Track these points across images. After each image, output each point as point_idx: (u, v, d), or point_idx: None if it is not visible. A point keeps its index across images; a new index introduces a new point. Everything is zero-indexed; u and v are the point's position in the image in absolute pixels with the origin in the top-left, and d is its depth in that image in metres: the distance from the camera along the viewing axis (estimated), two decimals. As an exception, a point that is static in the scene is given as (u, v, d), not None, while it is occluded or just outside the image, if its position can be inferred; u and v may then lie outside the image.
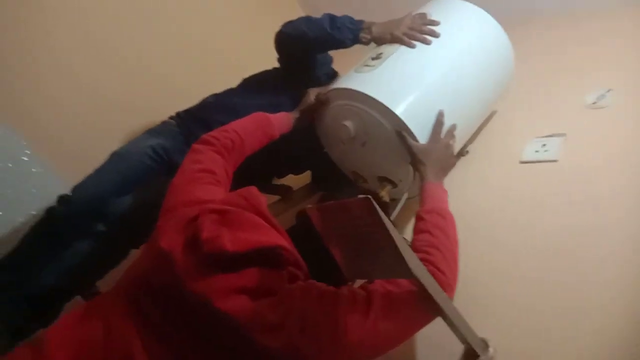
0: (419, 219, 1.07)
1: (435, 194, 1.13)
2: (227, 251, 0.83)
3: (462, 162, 1.55)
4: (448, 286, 0.94)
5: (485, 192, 1.44)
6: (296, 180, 1.82)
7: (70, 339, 0.83)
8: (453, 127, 1.30)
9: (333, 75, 1.65)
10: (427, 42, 1.37)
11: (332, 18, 1.47)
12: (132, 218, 1.29)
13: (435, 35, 1.38)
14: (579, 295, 1.08)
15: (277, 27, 1.58)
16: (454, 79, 1.36)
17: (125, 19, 2.04)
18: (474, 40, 1.44)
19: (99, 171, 1.39)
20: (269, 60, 1.69)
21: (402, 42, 1.38)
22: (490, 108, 1.57)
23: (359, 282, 0.96)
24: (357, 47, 1.52)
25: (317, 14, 1.53)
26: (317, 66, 1.60)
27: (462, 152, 1.54)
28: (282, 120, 1.37)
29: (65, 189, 1.42)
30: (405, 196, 1.28)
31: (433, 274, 0.91)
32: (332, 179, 1.58)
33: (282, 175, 1.76)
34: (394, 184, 1.38)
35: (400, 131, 1.26)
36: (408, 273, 0.83)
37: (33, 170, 1.76)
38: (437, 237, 1.01)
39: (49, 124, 1.81)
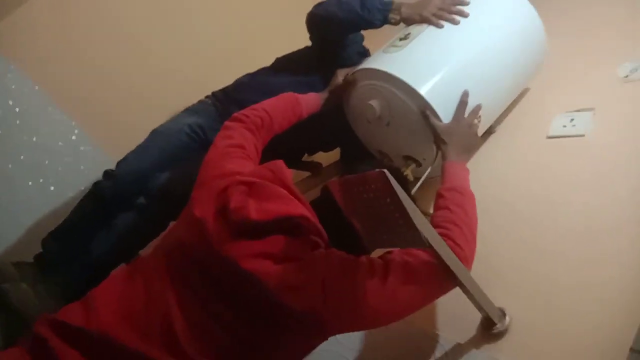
0: (439, 196, 1.11)
1: (456, 172, 1.16)
2: (252, 220, 0.90)
3: (489, 139, 1.56)
4: (465, 259, 0.98)
5: (511, 167, 1.45)
6: (326, 157, 1.87)
7: (115, 296, 0.92)
8: (478, 107, 1.31)
9: (364, 54, 1.68)
10: (455, 22, 1.38)
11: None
12: (171, 192, 1.38)
13: (464, 15, 1.39)
14: (602, 271, 1.07)
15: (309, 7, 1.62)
16: (483, 59, 1.36)
17: (167, 5, 2.12)
18: (503, 20, 1.43)
19: (140, 148, 1.49)
20: (302, 40, 1.72)
21: (430, 22, 1.39)
22: (521, 87, 1.56)
23: (376, 254, 1.01)
24: (389, 26, 1.54)
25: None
26: (348, 45, 1.63)
27: (490, 130, 1.55)
28: (310, 101, 1.42)
29: (110, 165, 1.52)
30: (427, 172, 1.31)
31: (451, 248, 0.94)
32: (360, 156, 1.62)
33: (312, 152, 1.81)
34: (418, 163, 1.41)
35: (424, 111, 1.29)
36: (423, 243, 0.88)
37: (81, 148, 1.89)
38: (455, 213, 1.04)
39: (96, 106, 1.93)
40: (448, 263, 0.93)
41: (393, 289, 0.90)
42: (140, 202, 1.38)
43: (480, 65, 1.36)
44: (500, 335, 1.08)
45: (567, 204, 1.24)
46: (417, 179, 1.37)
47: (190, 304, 0.89)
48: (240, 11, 2.31)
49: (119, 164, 1.47)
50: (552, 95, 1.57)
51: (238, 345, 0.89)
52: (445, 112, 1.29)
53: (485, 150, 1.53)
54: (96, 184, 1.45)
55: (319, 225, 0.94)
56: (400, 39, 1.42)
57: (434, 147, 1.30)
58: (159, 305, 0.89)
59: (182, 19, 2.15)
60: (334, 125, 1.55)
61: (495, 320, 1.09)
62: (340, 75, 1.47)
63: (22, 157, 1.77)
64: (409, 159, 1.42)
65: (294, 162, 1.67)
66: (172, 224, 1.46)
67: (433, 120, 1.27)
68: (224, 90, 1.64)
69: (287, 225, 0.91)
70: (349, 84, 1.44)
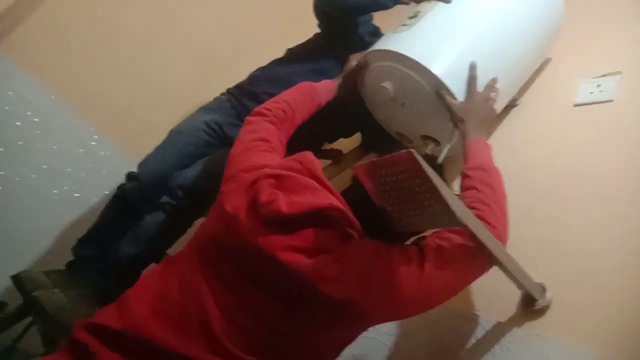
0: (464, 176, 1.08)
1: (477, 150, 1.13)
2: (283, 213, 0.88)
3: (513, 112, 1.52)
4: (499, 238, 0.95)
5: (538, 139, 1.41)
6: (346, 144, 1.85)
7: (150, 296, 0.91)
8: (493, 81, 1.27)
9: (375, 33, 1.64)
10: None
11: None
12: (193, 189, 1.38)
13: None
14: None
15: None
16: (495, 30, 1.32)
17: (178, 6, 2.12)
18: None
19: (160, 148, 1.49)
20: (311, 29, 1.70)
21: None
22: (540, 56, 1.51)
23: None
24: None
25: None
26: (359, 25, 1.60)
27: (512, 104, 1.51)
28: (327, 88, 1.40)
29: (131, 167, 1.53)
30: (445, 151, 1.29)
31: None
32: (381, 139, 1.60)
33: (332, 139, 1.79)
34: (436, 142, 1.38)
35: (439, 90, 1.25)
36: (456, 221, 0.85)
37: (101, 153, 1.90)
38: (483, 192, 1.02)
39: (112, 111, 1.93)
40: (483, 241, 0.91)
41: (430, 275, 0.88)
42: (165, 201, 1.38)
43: (493, 37, 1.32)
44: (542, 311, 1.06)
45: (600, 173, 1.21)
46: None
47: (225, 298, 0.89)
48: (249, 6, 2.29)
49: (140, 165, 1.48)
50: (576, 62, 1.51)
51: (276, 337, 0.88)
52: (459, 89, 1.25)
53: (510, 124, 1.49)
54: (120, 187, 1.46)
55: (351, 215, 0.92)
56: (410, 18, 1.39)
57: (451, 125, 1.28)
58: (194, 302, 0.89)
59: (195, 18, 2.15)
60: (352, 110, 1.53)
61: (536, 297, 1.06)
62: (354, 59, 1.45)
63: (44, 166, 1.79)
64: (427, 138, 1.40)
65: (315, 151, 1.66)
66: (197, 220, 1.47)
67: (448, 99, 1.24)
68: (238, 86, 1.63)
69: (318, 217, 0.89)
70: (362, 67, 1.42)
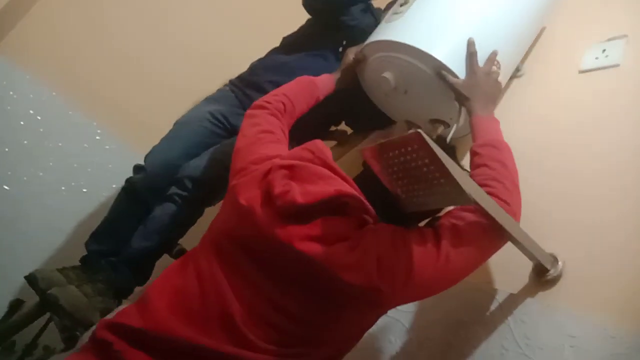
0: (473, 154, 1.08)
1: (485, 126, 1.12)
2: (299, 203, 0.88)
3: (517, 83, 1.50)
4: (513, 214, 0.96)
5: (544, 108, 1.39)
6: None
7: (170, 293, 0.92)
8: (493, 54, 1.26)
9: (367, 9, 1.62)
10: None
11: None
12: (201, 178, 1.38)
13: None
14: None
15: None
16: (489, 7, 1.30)
17: (180, 8, 2.12)
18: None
19: (165, 139, 1.50)
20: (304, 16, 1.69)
21: None
22: (540, 22, 1.48)
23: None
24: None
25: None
26: (349, 3, 1.58)
27: (515, 75, 1.49)
28: (325, 82, 1.39)
29: (138, 159, 1.53)
30: (452, 131, 1.28)
31: None
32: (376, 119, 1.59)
33: (338, 123, 1.79)
34: (445, 124, 1.36)
35: (440, 71, 1.24)
36: (466, 199, 0.85)
37: (107, 147, 1.91)
38: (494, 169, 1.02)
39: (115, 103, 1.93)
40: (495, 217, 0.91)
41: (446, 255, 0.88)
42: (173, 192, 1.38)
43: (488, 10, 1.30)
44: (554, 281, 1.06)
45: (609, 142, 1.19)
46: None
47: (245, 290, 0.89)
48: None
49: (146, 157, 1.48)
50: (579, 27, 1.48)
51: (298, 327, 0.89)
52: (460, 68, 1.24)
53: (515, 94, 1.48)
54: (128, 180, 1.47)
55: (365, 202, 0.92)
56: (401, 5, 1.38)
57: (457, 105, 1.27)
58: (214, 295, 0.89)
59: (195, 10, 2.13)
60: (353, 102, 1.53)
61: (548, 267, 1.06)
62: (351, 53, 1.45)
63: (50, 163, 1.80)
64: (435, 122, 1.39)
65: (321, 132, 1.66)
66: (208, 210, 1.48)
67: (450, 78, 1.22)
68: (240, 77, 1.64)
69: (334, 206, 0.89)
70: (359, 61, 1.41)
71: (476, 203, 0.87)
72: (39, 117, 1.79)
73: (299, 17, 1.70)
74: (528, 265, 1.09)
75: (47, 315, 1.38)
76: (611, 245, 1.04)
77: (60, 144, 1.82)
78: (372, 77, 1.42)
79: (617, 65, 1.30)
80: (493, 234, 0.94)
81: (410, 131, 0.83)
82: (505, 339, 1.05)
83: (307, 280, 0.88)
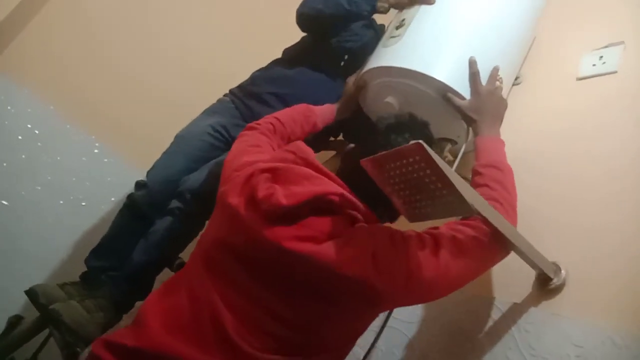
0: (475, 173, 1.08)
1: (490, 147, 1.13)
2: (284, 205, 0.88)
3: (515, 91, 1.50)
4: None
5: (543, 117, 1.39)
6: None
7: (162, 310, 0.92)
8: (495, 70, 1.26)
9: (370, 25, 1.63)
10: None
11: None
12: (203, 192, 1.37)
13: None
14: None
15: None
16: (485, 21, 1.32)
17: (175, 20, 2.12)
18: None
19: (166, 154, 1.49)
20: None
21: (420, 2, 1.37)
22: (533, 30, 1.49)
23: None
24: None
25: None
26: (350, 21, 1.59)
27: (515, 82, 1.49)
28: (325, 111, 1.40)
29: (136, 172, 1.52)
30: (462, 149, 1.28)
31: None
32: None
33: (337, 135, 1.79)
34: (453, 142, 1.37)
35: (445, 94, 1.24)
36: (469, 209, 0.85)
37: (105, 160, 1.90)
38: (495, 190, 1.02)
39: (112, 116, 1.92)
40: (498, 226, 0.91)
41: (446, 263, 0.88)
42: (174, 206, 1.38)
43: (484, 28, 1.31)
44: (558, 289, 1.06)
45: (608, 147, 1.19)
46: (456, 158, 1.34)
47: (237, 300, 0.89)
48: (245, 11, 2.28)
49: (148, 173, 1.48)
50: (576, 35, 1.49)
51: (295, 333, 0.89)
52: (463, 86, 1.24)
53: (514, 103, 1.46)
54: (130, 196, 1.46)
55: (353, 197, 0.92)
56: (397, 28, 1.39)
57: (463, 123, 1.27)
58: (206, 309, 0.89)
59: (193, 22, 2.14)
60: (352, 121, 1.53)
61: (551, 275, 1.06)
62: (350, 82, 1.46)
63: (49, 177, 1.79)
64: (443, 140, 1.39)
65: (322, 142, 1.66)
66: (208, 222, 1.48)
67: (456, 101, 1.23)
68: (240, 87, 1.63)
69: (320, 205, 0.89)
70: (360, 88, 1.42)
71: (478, 213, 0.87)
72: (36, 131, 1.78)
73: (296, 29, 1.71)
74: (531, 274, 1.09)
75: (47, 331, 1.37)
76: (614, 252, 1.04)
77: (58, 158, 1.81)
78: (374, 102, 1.43)
79: (614, 72, 1.31)
80: (492, 248, 0.94)
81: (412, 142, 0.83)
82: (509, 349, 1.04)
83: (301, 282, 0.88)
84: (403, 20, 1.38)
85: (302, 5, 1.56)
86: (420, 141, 0.81)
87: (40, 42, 1.80)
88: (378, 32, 1.58)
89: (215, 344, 0.86)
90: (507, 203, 1.00)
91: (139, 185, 1.46)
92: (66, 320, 1.26)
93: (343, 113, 1.45)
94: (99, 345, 0.89)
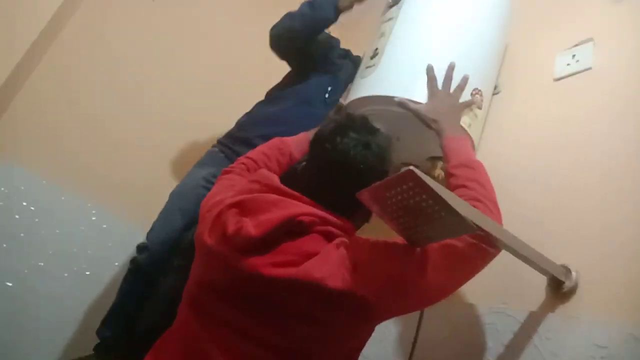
0: (449, 175, 1.09)
1: (456, 146, 1.14)
2: (254, 236, 0.88)
3: (496, 101, 1.52)
4: None
5: (525, 122, 1.41)
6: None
7: None
8: (464, 80, 1.30)
9: (345, 55, 1.66)
10: None
11: (309, 2, 1.53)
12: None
13: None
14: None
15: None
16: (455, 39, 1.37)
17: (167, 79, 2.15)
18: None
19: (163, 213, 1.50)
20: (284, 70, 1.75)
21: None
22: (503, 41, 1.53)
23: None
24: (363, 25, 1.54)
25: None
26: (327, 52, 1.62)
27: (494, 92, 1.52)
28: (300, 140, 1.39)
29: (136, 232, 1.52)
30: None
31: None
32: None
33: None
34: (444, 159, 1.39)
35: (400, 100, 1.27)
36: (469, 226, 0.85)
37: (104, 226, 1.90)
38: (473, 189, 1.03)
39: (106, 181, 1.93)
40: (501, 237, 0.91)
41: (434, 264, 0.89)
42: (177, 263, 1.38)
43: (453, 45, 1.36)
44: (571, 292, 1.05)
45: (595, 143, 1.20)
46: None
47: (229, 338, 0.88)
48: (226, 59, 2.32)
49: (148, 234, 1.48)
50: (546, 37, 1.53)
51: (288, 359, 0.88)
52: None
53: (495, 111, 1.50)
54: (132, 261, 1.46)
55: (323, 213, 0.92)
56: (371, 57, 1.43)
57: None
58: (199, 356, 0.88)
59: (174, 76, 2.17)
60: None
61: (562, 278, 1.06)
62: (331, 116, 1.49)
63: (50, 251, 1.78)
64: (434, 159, 1.41)
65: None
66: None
67: (411, 105, 1.26)
68: (228, 135, 1.65)
69: (291, 228, 0.89)
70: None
71: (480, 228, 0.88)
72: (32, 208, 1.78)
73: (279, 70, 1.75)
74: (542, 280, 1.08)
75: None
76: (621, 249, 1.03)
77: (57, 231, 1.81)
78: None
79: (589, 69, 1.33)
80: (481, 249, 0.95)
81: (403, 169, 0.83)
82: (534, 360, 1.03)
83: (288, 308, 0.87)
84: (376, 49, 1.42)
85: (271, 30, 1.60)
86: (411, 167, 0.82)
87: (24, 121, 1.82)
88: (355, 62, 1.62)
89: None
90: (487, 200, 1.01)
91: (140, 248, 1.46)
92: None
93: None
94: None
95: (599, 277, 1.03)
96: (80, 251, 1.83)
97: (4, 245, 1.72)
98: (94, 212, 1.89)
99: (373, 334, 0.96)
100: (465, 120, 1.31)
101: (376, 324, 0.95)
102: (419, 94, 1.27)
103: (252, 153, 1.30)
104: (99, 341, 1.40)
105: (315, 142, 1.04)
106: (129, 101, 2.03)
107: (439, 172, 1.38)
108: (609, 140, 1.18)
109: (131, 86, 2.05)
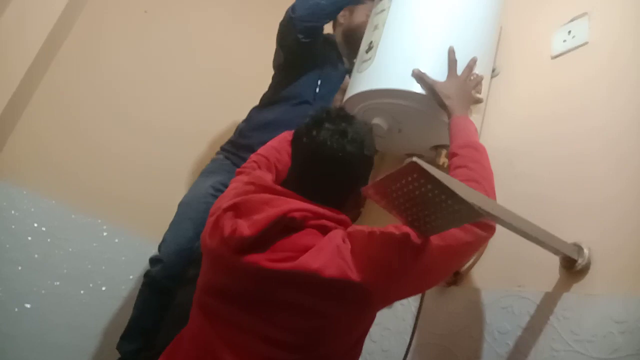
0: (453, 155, 1.09)
1: (465, 127, 1.15)
2: (248, 236, 0.90)
3: (495, 83, 1.51)
4: None
5: (527, 103, 1.40)
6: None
7: None
8: (472, 61, 1.30)
9: (331, 41, 1.65)
10: None
11: None
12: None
13: None
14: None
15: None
16: (449, 26, 1.36)
17: (165, 91, 2.16)
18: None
19: (174, 224, 1.51)
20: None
21: None
22: (498, 23, 1.52)
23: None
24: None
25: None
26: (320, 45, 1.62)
27: (492, 75, 1.51)
28: None
29: (148, 245, 1.53)
30: None
31: None
32: None
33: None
34: (447, 146, 1.39)
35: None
36: (477, 213, 0.85)
37: (116, 240, 1.91)
38: (475, 170, 1.04)
39: (114, 196, 1.95)
40: (509, 221, 0.91)
41: (429, 250, 0.90)
42: (192, 273, 1.39)
43: (450, 32, 1.35)
44: (585, 269, 1.04)
45: (597, 118, 1.19)
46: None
47: (237, 337, 0.90)
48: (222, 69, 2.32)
49: (160, 247, 1.49)
50: (540, 15, 1.51)
51: (294, 353, 0.90)
52: None
53: (496, 95, 1.49)
54: (147, 274, 1.47)
55: (315, 207, 0.93)
56: (367, 51, 1.42)
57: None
58: (209, 356, 0.90)
59: (171, 90, 2.18)
60: None
61: (574, 257, 1.05)
62: (338, 101, 1.48)
63: (65, 270, 1.80)
64: (437, 147, 1.41)
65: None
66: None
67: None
68: (229, 142, 1.66)
69: (284, 225, 0.91)
70: None
71: (487, 213, 0.88)
72: (44, 229, 1.80)
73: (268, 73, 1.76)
74: (555, 260, 1.08)
75: None
76: (630, 220, 1.02)
77: (70, 249, 1.83)
78: None
79: (585, 43, 1.32)
80: (471, 234, 0.96)
81: (406, 161, 0.83)
82: (553, 340, 1.02)
83: (290, 302, 0.89)
84: (371, 42, 1.41)
85: (293, 12, 1.56)
86: (415, 158, 0.82)
87: (30, 143, 1.84)
88: (333, 44, 1.61)
89: None
90: (486, 182, 1.02)
91: (153, 261, 1.47)
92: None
93: None
94: None
95: (610, 250, 1.03)
96: (95, 268, 1.85)
97: (19, 268, 1.74)
98: (104, 227, 1.91)
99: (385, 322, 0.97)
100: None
101: (378, 310, 0.96)
102: (417, 85, 1.27)
103: (262, 149, 1.30)
104: (119, 356, 1.41)
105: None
106: (128, 116, 2.05)
107: (443, 160, 1.37)
108: (607, 108, 1.17)
109: (130, 101, 2.07)
